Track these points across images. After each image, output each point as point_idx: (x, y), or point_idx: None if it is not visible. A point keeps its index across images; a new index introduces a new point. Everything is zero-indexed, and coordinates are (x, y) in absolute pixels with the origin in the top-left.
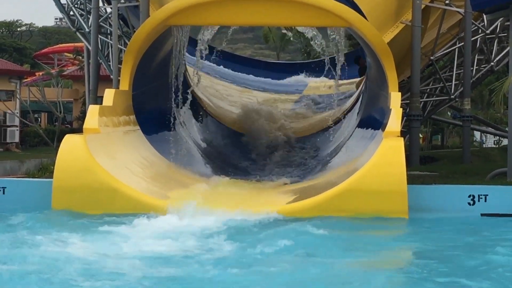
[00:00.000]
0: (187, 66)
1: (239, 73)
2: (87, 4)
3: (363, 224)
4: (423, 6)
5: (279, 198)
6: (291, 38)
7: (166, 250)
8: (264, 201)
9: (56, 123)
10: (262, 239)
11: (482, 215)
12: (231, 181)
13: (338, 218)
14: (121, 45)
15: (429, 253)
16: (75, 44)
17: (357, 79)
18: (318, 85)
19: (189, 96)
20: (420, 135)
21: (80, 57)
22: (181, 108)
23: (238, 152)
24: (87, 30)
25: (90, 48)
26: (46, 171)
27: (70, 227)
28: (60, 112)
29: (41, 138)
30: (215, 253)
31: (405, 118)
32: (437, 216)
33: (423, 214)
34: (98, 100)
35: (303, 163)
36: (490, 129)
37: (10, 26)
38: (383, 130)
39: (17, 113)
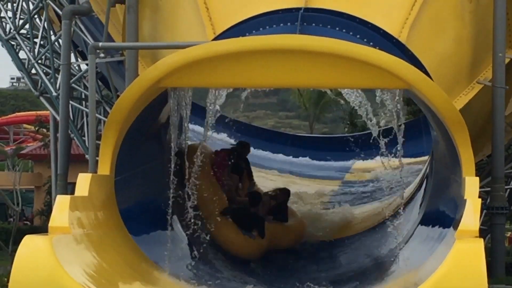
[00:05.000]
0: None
1: (259, 150)
2: (54, 59)
3: None
4: (507, 60)
5: None
6: (336, 100)
7: None
8: None
9: (12, 219)
10: None
11: None
12: None
13: None
14: (100, 114)
15: None
16: (38, 112)
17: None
18: (366, 167)
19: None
20: (506, 235)
21: (45, 130)
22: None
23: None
24: (54, 94)
25: (58, 118)
26: None
27: None
28: (17, 205)
29: None
30: None
31: (485, 211)
32: None
33: None
34: (68, 188)
35: (339, 277)
36: None
37: None
38: (456, 228)
39: None
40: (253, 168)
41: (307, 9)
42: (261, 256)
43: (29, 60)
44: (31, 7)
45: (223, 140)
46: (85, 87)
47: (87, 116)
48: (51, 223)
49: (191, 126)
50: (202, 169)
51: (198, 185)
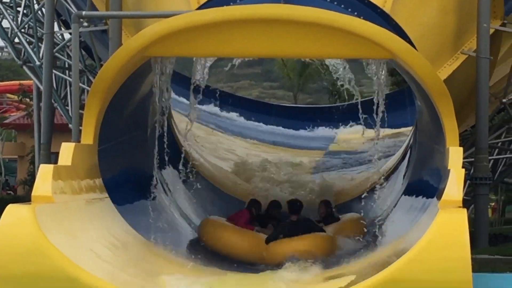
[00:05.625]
0: (173, 111)
1: (243, 120)
2: (38, 28)
3: None
4: (492, 30)
5: None
6: (319, 71)
7: None
8: None
9: None
10: None
11: None
12: (230, 272)
13: None
14: (84, 84)
15: None
16: (21, 81)
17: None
18: (350, 137)
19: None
20: (490, 205)
21: (28, 100)
22: (164, 168)
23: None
24: (37, 63)
25: (41, 87)
26: None
27: None
28: (0, 174)
29: None
30: None
31: (468, 182)
32: None
33: None
34: (51, 157)
35: None
36: None
37: None
38: (439, 198)
39: None
40: (239, 140)
41: None
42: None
43: (12, 29)
44: None
45: (208, 110)
46: (69, 56)
47: (70, 85)
48: (34, 192)
49: (175, 96)
50: (226, 231)
51: (232, 241)
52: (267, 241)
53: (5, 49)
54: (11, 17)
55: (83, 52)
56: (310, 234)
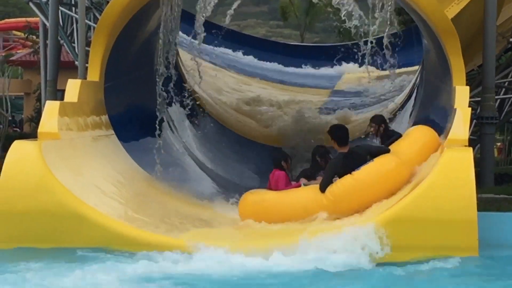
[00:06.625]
0: (180, 50)
1: (249, 58)
2: None
3: (415, 265)
4: None
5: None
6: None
7: None
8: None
9: (1, 126)
10: None
11: None
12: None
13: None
14: (90, 21)
15: None
16: (27, 19)
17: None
18: (356, 76)
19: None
20: (496, 145)
21: (34, 37)
22: (171, 106)
23: (249, 167)
24: (43, 0)
25: (47, 24)
26: None
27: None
28: (7, 111)
29: None
30: None
31: (474, 121)
32: None
33: (500, 251)
34: (58, 94)
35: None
36: None
37: None
38: (445, 137)
39: None
40: (245, 78)
41: None
42: None
43: None
44: None
45: (214, 48)
46: None
47: (77, 22)
48: (40, 129)
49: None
50: (274, 200)
51: (286, 207)
52: (322, 188)
53: None
54: None
55: None
56: (374, 160)
